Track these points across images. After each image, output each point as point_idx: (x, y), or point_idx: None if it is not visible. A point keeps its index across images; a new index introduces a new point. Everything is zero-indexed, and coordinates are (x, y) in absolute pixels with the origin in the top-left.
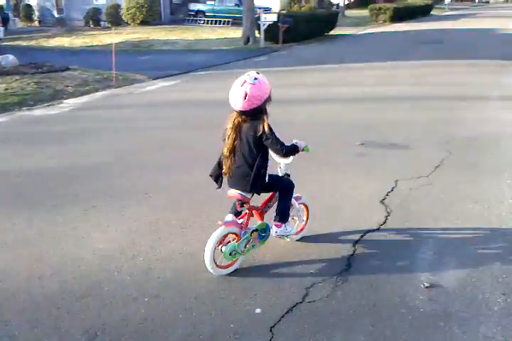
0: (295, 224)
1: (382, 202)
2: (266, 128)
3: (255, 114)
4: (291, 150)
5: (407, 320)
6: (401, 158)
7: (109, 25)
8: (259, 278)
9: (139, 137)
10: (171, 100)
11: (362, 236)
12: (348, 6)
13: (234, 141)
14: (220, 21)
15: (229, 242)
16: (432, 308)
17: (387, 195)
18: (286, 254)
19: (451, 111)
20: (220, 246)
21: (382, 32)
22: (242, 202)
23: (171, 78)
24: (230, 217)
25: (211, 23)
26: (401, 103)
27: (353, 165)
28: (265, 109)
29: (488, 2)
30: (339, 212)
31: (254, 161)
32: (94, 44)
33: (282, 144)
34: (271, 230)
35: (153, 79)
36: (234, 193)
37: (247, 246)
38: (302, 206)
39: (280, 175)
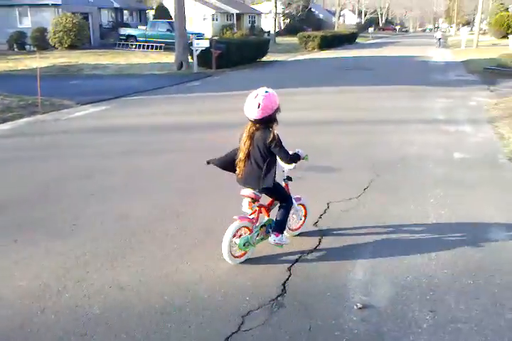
0: (293, 221)
1: (315, 224)
2: (275, 137)
3: (267, 122)
4: (294, 158)
5: None
6: (332, 181)
7: (35, 49)
8: (194, 311)
9: (64, 165)
10: (99, 126)
11: (297, 260)
12: (278, 34)
13: (249, 147)
14: (153, 46)
15: (240, 236)
16: (365, 329)
17: (320, 217)
18: (221, 283)
19: (377, 135)
20: (234, 239)
21: (311, 58)
22: (254, 200)
23: (100, 103)
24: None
25: (143, 48)
26: (329, 127)
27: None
28: (275, 118)
29: (407, 31)
30: None
31: (262, 164)
32: (19, 68)
33: (287, 152)
34: (269, 238)
35: (82, 104)
36: (247, 192)
37: (257, 238)
38: (301, 206)
39: (284, 177)
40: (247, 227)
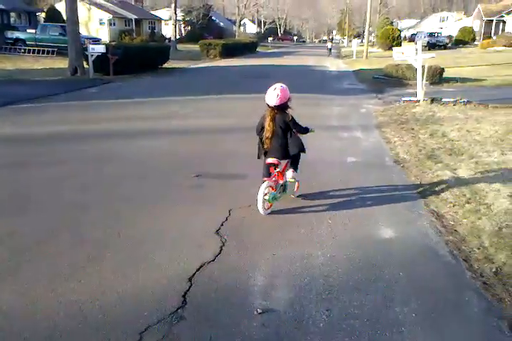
0: (295, 185)
1: (217, 232)
2: (291, 116)
3: (283, 108)
4: (306, 130)
5: None
6: (234, 188)
7: None
8: (87, 333)
9: None
10: None
11: (198, 270)
12: (179, 41)
13: (273, 127)
14: (44, 51)
15: (265, 194)
16: (265, 333)
17: (221, 225)
18: (118, 300)
19: None
20: (264, 196)
21: (213, 66)
22: (275, 166)
23: None
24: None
25: (34, 53)
26: (235, 134)
27: (187, 198)
28: (288, 105)
29: (304, 41)
30: (175, 247)
31: (284, 139)
32: None
33: (301, 126)
34: (287, 174)
35: None
36: (272, 160)
37: (278, 195)
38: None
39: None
40: (271, 187)
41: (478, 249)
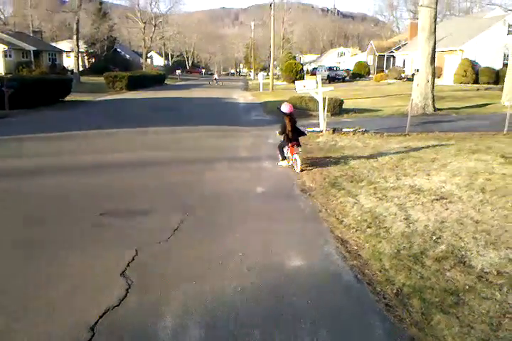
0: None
1: (122, 274)
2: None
3: (293, 114)
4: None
5: None
6: (142, 225)
7: None
8: None
9: None
10: None
11: (101, 317)
12: (83, 73)
13: (293, 125)
14: None
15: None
16: None
17: (127, 265)
18: None
19: (185, 174)
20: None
21: (120, 99)
22: (297, 146)
23: None
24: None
25: None
26: (139, 169)
27: (91, 239)
28: (293, 113)
29: (213, 74)
30: (76, 294)
31: (298, 132)
32: None
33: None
34: (298, 149)
35: None
36: (294, 143)
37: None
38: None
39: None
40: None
41: (380, 271)
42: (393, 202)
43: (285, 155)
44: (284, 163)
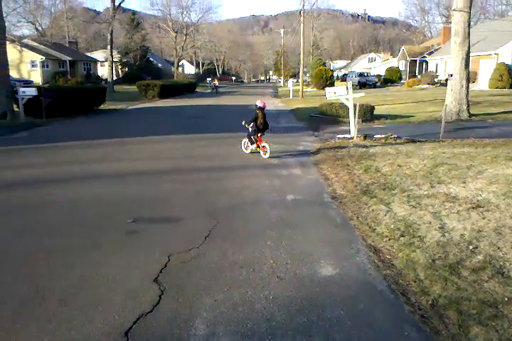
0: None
1: (155, 280)
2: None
3: (264, 108)
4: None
5: None
6: (173, 232)
7: None
8: None
9: None
10: None
11: (135, 323)
12: (117, 82)
13: (263, 117)
14: None
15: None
16: None
17: (160, 272)
18: None
19: (216, 182)
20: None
21: (152, 107)
22: (261, 135)
23: None
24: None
25: None
26: (167, 176)
27: (124, 245)
28: (264, 107)
29: (243, 81)
30: (110, 300)
31: (266, 124)
32: None
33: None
34: (266, 145)
35: None
36: (262, 133)
37: (258, 149)
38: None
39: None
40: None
41: (415, 281)
42: (427, 211)
43: (251, 144)
44: (253, 147)
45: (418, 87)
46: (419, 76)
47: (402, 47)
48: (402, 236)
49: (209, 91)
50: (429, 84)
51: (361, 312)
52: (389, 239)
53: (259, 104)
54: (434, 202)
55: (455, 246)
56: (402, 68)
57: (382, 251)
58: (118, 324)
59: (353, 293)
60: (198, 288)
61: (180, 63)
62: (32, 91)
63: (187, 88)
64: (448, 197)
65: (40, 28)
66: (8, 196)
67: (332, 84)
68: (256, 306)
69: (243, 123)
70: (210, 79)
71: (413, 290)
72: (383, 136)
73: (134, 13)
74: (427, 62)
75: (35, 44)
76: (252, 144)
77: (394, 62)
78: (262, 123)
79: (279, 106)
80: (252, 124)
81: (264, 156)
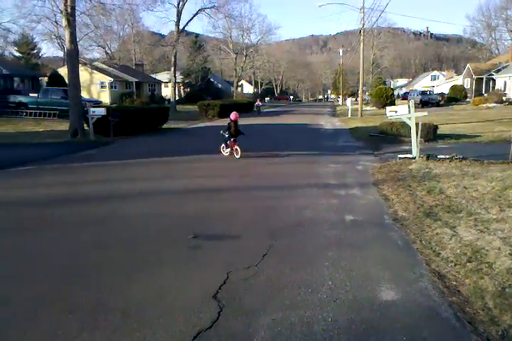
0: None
1: (214, 296)
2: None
3: (237, 121)
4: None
5: None
6: (232, 249)
7: None
8: None
9: None
10: None
11: (194, 338)
12: (179, 102)
13: (236, 127)
14: (46, 114)
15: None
16: None
17: (219, 288)
18: None
19: (273, 200)
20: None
21: (212, 126)
22: (235, 141)
23: None
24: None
25: (35, 116)
26: (227, 194)
27: (185, 260)
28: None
29: (300, 100)
30: (170, 314)
31: (238, 132)
32: None
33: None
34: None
35: None
36: (235, 138)
37: (232, 152)
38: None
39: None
40: (231, 150)
41: (483, 310)
42: (496, 236)
43: (225, 149)
44: (228, 151)
45: (485, 105)
46: (485, 94)
47: (468, 65)
48: (469, 261)
49: (264, 110)
50: (496, 102)
51: (424, 340)
52: (455, 265)
53: (232, 117)
54: (504, 227)
55: None
56: (467, 86)
57: (447, 276)
58: (180, 338)
59: (415, 320)
60: (256, 306)
61: (239, 83)
62: (101, 111)
63: (246, 107)
64: None
65: (109, 52)
66: (78, 210)
67: (392, 103)
68: (315, 327)
69: (221, 132)
70: (268, 98)
71: (481, 319)
72: (448, 156)
73: (196, 36)
74: (494, 80)
75: (105, 66)
76: (227, 148)
77: (458, 80)
78: (234, 131)
79: (337, 126)
80: (227, 132)
81: (236, 156)
